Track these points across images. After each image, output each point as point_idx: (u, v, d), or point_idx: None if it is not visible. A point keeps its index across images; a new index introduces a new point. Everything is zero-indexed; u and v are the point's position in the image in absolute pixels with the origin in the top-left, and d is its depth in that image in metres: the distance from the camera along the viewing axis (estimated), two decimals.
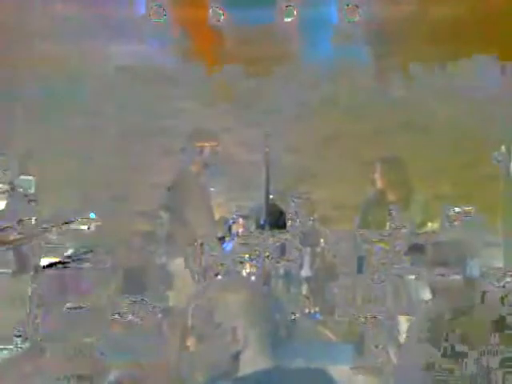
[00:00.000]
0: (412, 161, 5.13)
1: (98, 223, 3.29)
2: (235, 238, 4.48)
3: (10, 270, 3.23)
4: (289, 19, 5.14)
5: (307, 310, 4.32)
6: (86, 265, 4.41)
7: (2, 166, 3.25)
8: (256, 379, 1.26)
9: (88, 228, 3.30)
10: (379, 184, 3.71)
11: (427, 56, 5.23)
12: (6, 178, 3.35)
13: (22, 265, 3.39)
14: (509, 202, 5.00)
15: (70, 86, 5.28)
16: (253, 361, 1.28)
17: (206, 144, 3.59)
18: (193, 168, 3.59)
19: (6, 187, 3.32)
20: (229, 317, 1.27)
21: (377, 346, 3.58)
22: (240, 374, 1.28)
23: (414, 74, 5.32)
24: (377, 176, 3.73)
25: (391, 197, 3.67)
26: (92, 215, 3.33)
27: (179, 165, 3.78)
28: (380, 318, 3.61)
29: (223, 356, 1.27)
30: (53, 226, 3.26)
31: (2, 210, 3.35)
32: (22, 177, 4.33)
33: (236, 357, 1.27)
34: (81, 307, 4.18)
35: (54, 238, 3.44)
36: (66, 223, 3.27)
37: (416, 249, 3.43)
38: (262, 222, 4.26)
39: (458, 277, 4.57)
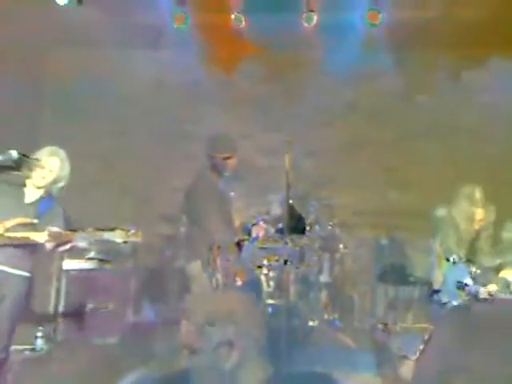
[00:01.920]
0: (435, 166, 5.07)
1: (136, 238, 2.83)
2: (254, 242, 4.49)
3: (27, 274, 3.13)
4: (309, 24, 5.13)
5: (326, 317, 4.30)
6: (108, 267, 4.49)
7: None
8: None
9: (125, 242, 2.83)
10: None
11: (450, 60, 5.16)
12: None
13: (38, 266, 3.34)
14: None
15: (95, 90, 5.39)
16: (255, 372, 1.27)
17: (226, 153, 3.59)
18: (212, 173, 3.59)
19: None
20: (224, 331, 1.26)
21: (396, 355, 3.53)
22: None
23: (438, 78, 5.25)
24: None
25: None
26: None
27: (198, 169, 3.78)
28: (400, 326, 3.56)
29: (219, 371, 1.25)
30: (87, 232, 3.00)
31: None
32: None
33: (235, 370, 1.25)
34: (102, 308, 4.26)
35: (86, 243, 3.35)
36: (102, 230, 2.96)
37: None
38: (280, 227, 4.25)
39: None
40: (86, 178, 5.30)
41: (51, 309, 4.15)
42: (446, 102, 5.21)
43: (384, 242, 4.94)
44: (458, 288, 3.10)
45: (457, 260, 3.17)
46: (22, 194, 3.00)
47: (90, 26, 5.16)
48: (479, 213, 3.28)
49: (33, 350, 3.98)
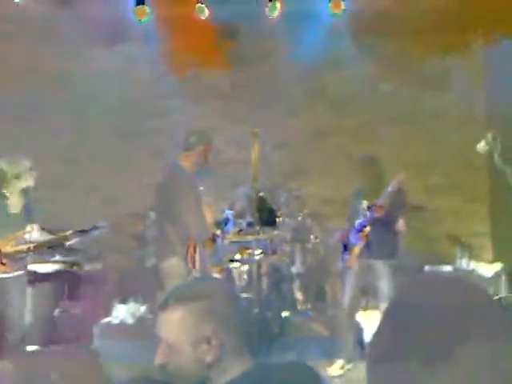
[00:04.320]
0: (400, 153, 5.13)
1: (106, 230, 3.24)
2: (226, 236, 4.46)
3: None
4: (273, 14, 5.09)
5: (299, 307, 4.31)
6: (75, 269, 4.38)
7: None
8: (240, 381, 1.23)
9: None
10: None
11: (413, 48, 5.20)
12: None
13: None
14: (495, 192, 5.01)
15: (55, 88, 5.23)
16: (233, 367, 1.24)
17: (203, 146, 3.53)
18: (185, 166, 3.51)
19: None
20: (200, 326, 1.23)
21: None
22: (223, 380, 1.24)
23: (401, 66, 5.28)
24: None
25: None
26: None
27: (168, 164, 3.69)
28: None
29: (197, 367, 1.23)
30: (72, 234, 3.21)
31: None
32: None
33: (211, 366, 1.23)
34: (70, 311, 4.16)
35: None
36: (85, 231, 3.22)
37: None
38: (251, 220, 4.23)
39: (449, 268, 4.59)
40: (50, 178, 5.17)
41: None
42: (410, 90, 5.26)
43: None
44: None
45: None
46: (5, 207, 3.22)
47: (48, 21, 5.00)
48: None
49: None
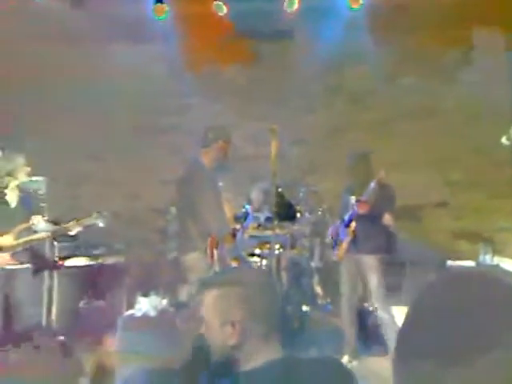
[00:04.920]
0: (421, 148, 5.10)
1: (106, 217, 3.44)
2: (246, 230, 4.51)
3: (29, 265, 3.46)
4: (291, 10, 5.10)
5: (319, 302, 4.33)
6: (100, 262, 4.49)
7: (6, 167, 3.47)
8: (267, 370, 1.27)
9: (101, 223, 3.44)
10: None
11: (433, 41, 5.15)
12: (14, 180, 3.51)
13: (40, 264, 3.55)
14: None
15: (79, 86, 5.33)
16: (257, 354, 1.29)
17: (221, 142, 3.57)
18: (204, 161, 3.55)
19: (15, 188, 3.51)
20: (229, 310, 1.29)
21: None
22: (249, 366, 1.29)
23: (421, 60, 5.24)
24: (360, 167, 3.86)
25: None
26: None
27: (188, 159, 3.74)
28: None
29: (222, 347, 1.29)
30: (67, 224, 3.40)
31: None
32: (34, 178, 4.41)
33: (234, 349, 1.29)
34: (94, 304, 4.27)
35: (72, 235, 3.58)
36: (79, 220, 3.40)
37: None
38: (270, 214, 4.26)
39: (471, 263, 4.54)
40: (74, 173, 5.29)
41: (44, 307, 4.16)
42: (430, 84, 5.22)
43: None
44: None
45: None
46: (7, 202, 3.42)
47: (69, 21, 5.09)
48: None
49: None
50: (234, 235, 3.81)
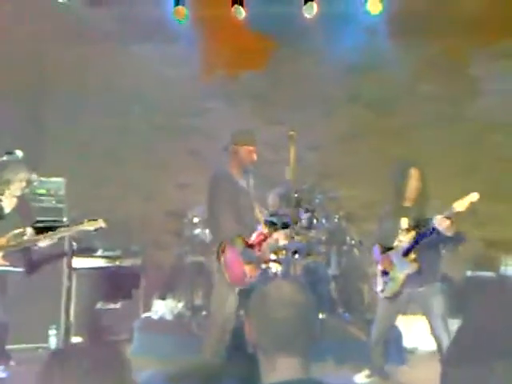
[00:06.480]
0: (440, 156, 5.04)
1: (103, 225, 3.48)
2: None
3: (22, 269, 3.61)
4: (310, 15, 5.08)
5: (336, 310, 4.30)
6: (117, 264, 4.52)
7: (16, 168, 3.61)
8: None
9: (95, 230, 3.49)
10: (411, 190, 3.39)
11: (456, 49, 5.10)
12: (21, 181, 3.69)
13: (32, 264, 3.69)
14: None
15: (99, 87, 5.37)
16: (280, 366, 1.32)
17: (248, 147, 3.56)
18: (231, 169, 3.56)
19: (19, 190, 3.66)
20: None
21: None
22: (273, 380, 1.31)
23: (443, 67, 5.19)
24: (412, 182, 3.38)
25: (408, 203, 3.43)
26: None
27: (217, 165, 3.73)
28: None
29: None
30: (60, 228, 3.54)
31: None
32: (53, 179, 4.47)
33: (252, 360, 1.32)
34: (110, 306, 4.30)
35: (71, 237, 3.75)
36: (76, 225, 3.52)
37: None
38: (287, 221, 4.24)
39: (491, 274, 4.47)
40: (92, 174, 5.33)
41: (63, 308, 4.20)
42: (451, 91, 5.17)
43: None
44: None
45: None
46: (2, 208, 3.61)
47: (90, 21, 5.13)
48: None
49: (46, 348, 4.03)
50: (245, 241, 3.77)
